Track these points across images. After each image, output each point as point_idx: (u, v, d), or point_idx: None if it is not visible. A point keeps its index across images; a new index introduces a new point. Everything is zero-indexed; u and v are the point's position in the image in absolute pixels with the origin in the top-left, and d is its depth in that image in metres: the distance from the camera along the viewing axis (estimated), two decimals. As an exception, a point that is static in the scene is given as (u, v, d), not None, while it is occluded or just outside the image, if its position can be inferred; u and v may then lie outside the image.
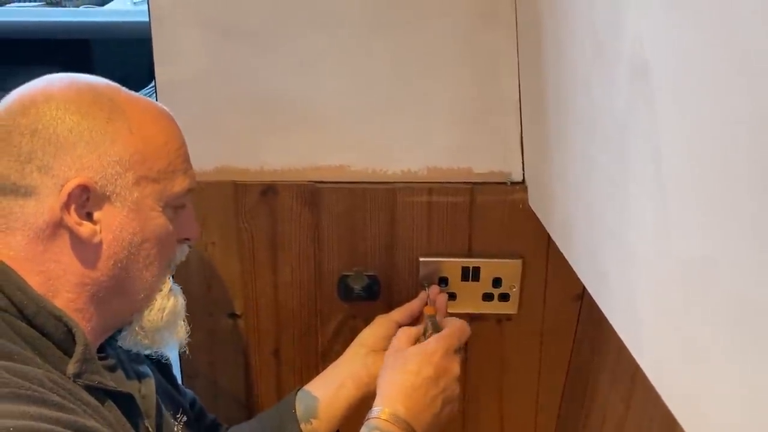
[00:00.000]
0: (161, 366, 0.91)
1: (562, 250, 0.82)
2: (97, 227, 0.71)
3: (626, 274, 0.59)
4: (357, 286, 1.05)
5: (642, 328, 0.56)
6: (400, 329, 0.91)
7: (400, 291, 1.06)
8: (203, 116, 0.99)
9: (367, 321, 0.99)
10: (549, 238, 0.96)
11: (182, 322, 0.81)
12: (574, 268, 0.76)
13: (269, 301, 1.08)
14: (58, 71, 0.75)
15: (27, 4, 2.92)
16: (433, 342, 0.87)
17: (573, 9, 0.68)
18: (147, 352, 0.82)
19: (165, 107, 0.79)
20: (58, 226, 0.69)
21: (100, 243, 0.71)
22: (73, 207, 0.69)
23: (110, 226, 0.71)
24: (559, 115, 0.78)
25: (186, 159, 0.78)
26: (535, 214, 0.97)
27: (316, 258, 1.05)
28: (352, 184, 1.02)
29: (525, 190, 1.00)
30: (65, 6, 2.84)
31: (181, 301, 0.81)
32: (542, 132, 0.87)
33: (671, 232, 0.49)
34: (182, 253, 0.82)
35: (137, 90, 0.79)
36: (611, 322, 0.63)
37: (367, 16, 0.94)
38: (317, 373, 0.98)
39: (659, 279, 0.51)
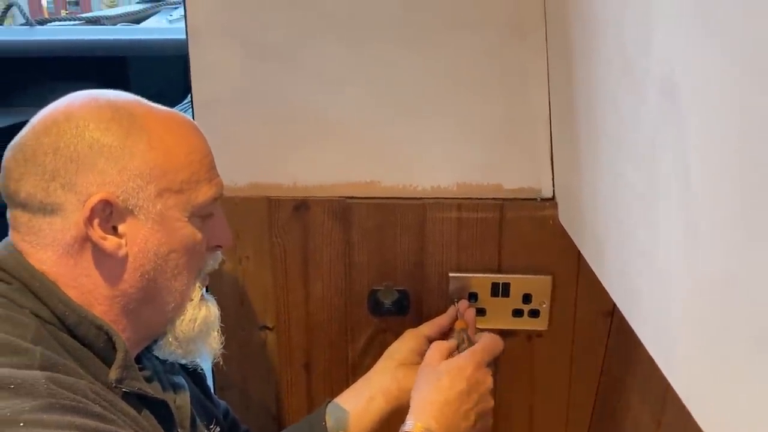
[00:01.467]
0: (195, 377, 0.93)
1: (592, 267, 0.82)
2: (123, 240, 0.72)
3: (657, 291, 0.59)
4: (387, 301, 1.06)
5: (674, 347, 0.56)
6: (433, 344, 0.92)
7: (429, 306, 1.06)
8: (238, 133, 1.01)
9: (397, 335, 1.00)
10: (579, 254, 0.96)
11: (216, 333, 0.82)
12: (605, 285, 0.76)
13: (301, 314, 1.09)
14: (96, 86, 0.77)
15: (67, 22, 3.00)
16: (465, 356, 0.87)
17: (602, 27, 0.69)
18: (182, 361, 0.83)
19: (188, 117, 0.80)
20: (85, 240, 0.71)
21: (126, 256, 0.73)
22: (96, 222, 0.70)
23: (135, 238, 0.73)
24: (588, 131, 0.79)
25: (210, 168, 0.78)
26: (565, 230, 0.97)
27: (346, 272, 1.07)
28: (382, 200, 1.03)
29: (555, 206, 1.00)
30: (104, 24, 2.91)
31: (214, 311, 0.82)
32: (572, 148, 0.88)
33: (702, 249, 0.49)
34: (215, 260, 0.82)
35: (172, 106, 0.80)
36: (642, 339, 0.63)
37: (399, 34, 0.96)
38: (347, 386, 0.98)
39: (691, 297, 0.51)
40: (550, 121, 0.98)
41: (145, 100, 0.77)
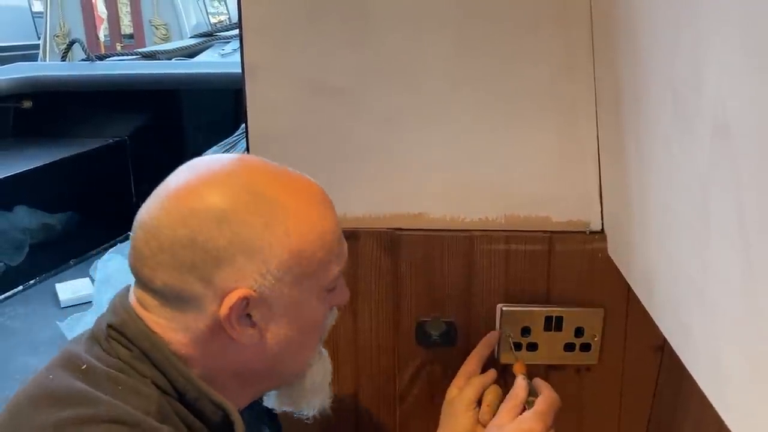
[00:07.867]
0: (276, 427, 0.95)
1: (642, 302, 0.81)
2: (256, 330, 0.72)
3: (711, 329, 0.59)
4: (434, 332, 1.07)
5: (728, 386, 0.55)
6: (504, 404, 0.91)
7: (477, 338, 1.06)
8: (291, 166, 1.04)
9: (445, 367, 1.00)
10: (629, 287, 0.95)
11: (328, 387, 0.84)
12: (656, 321, 0.76)
13: (349, 343, 1.10)
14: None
15: (125, 57, 3.12)
16: (533, 419, 0.87)
17: (653, 65, 0.69)
18: (288, 410, 0.85)
19: (318, 186, 0.77)
20: (219, 330, 0.71)
21: (259, 342, 0.73)
22: (234, 317, 0.70)
23: (269, 326, 0.73)
24: (639, 166, 0.79)
25: (340, 240, 0.77)
26: (614, 263, 0.97)
27: (394, 303, 1.08)
28: (430, 232, 1.05)
29: (604, 239, 1.00)
30: (159, 58, 3.02)
31: (328, 367, 0.83)
32: (622, 182, 0.88)
33: (758, 288, 0.49)
34: (332, 318, 0.82)
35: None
36: (695, 377, 0.62)
37: (450, 72, 0.98)
38: (394, 417, 0.99)
39: (746, 335, 0.51)
40: (599, 154, 0.98)
41: (272, 168, 0.75)
